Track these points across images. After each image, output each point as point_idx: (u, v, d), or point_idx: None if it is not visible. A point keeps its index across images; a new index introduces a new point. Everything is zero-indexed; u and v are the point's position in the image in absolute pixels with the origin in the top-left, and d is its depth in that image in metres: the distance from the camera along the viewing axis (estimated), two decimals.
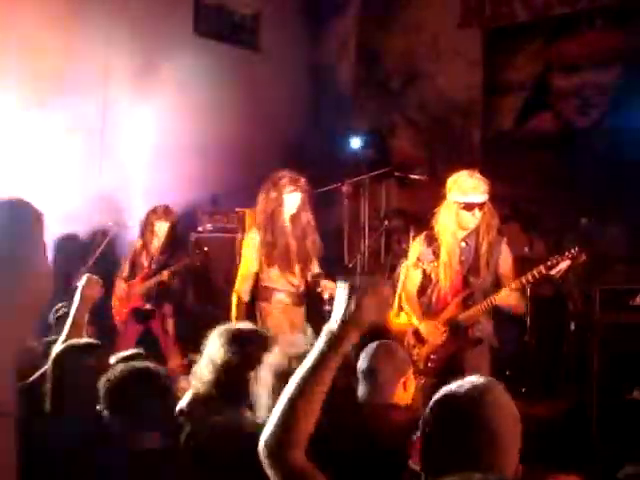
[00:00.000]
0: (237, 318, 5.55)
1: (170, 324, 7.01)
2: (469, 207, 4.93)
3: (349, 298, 1.89)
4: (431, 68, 9.03)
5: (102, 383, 2.87)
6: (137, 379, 2.86)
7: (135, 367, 2.93)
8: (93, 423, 2.94)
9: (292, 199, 5.84)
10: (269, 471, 1.91)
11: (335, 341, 1.88)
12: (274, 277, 5.81)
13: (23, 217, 1.04)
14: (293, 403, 1.88)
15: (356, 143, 8.66)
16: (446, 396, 1.86)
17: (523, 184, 7.88)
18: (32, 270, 1.03)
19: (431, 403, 1.85)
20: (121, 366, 2.94)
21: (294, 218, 5.85)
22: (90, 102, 7.67)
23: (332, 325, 1.90)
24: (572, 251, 4.68)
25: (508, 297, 4.85)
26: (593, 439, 5.73)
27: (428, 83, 9.05)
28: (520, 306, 4.93)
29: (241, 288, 5.83)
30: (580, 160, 7.73)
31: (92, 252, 7.03)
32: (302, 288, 5.89)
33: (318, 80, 9.50)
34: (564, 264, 4.68)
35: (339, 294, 1.92)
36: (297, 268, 5.84)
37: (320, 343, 1.90)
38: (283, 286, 5.82)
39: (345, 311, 1.89)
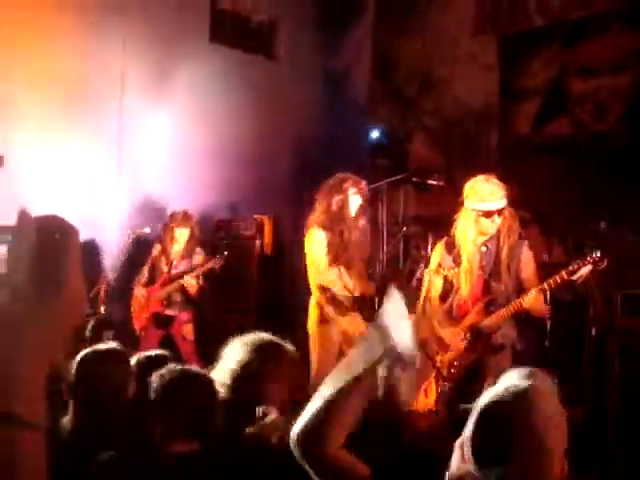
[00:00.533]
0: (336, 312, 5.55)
1: (189, 330, 7.00)
2: (488, 214, 4.88)
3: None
4: (447, 73, 9.02)
5: (155, 384, 2.85)
6: (192, 384, 2.86)
7: (192, 372, 2.95)
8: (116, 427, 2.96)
9: (355, 202, 5.84)
10: (301, 461, 1.96)
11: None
12: (332, 280, 5.78)
13: (57, 233, 1.04)
14: (333, 405, 1.92)
15: (375, 134, 8.68)
16: (493, 405, 1.83)
17: (541, 189, 7.84)
18: (67, 287, 1.04)
19: (477, 413, 1.84)
20: (174, 368, 2.94)
21: (354, 221, 5.84)
22: (107, 109, 7.71)
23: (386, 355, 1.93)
24: (594, 256, 4.63)
25: (535, 300, 4.79)
26: (612, 444, 5.70)
27: (444, 88, 9.04)
28: (544, 309, 4.86)
29: (326, 279, 5.77)
30: (598, 164, 7.69)
31: (118, 259, 7.07)
32: (356, 292, 5.84)
33: (334, 86, 9.49)
34: (585, 269, 4.63)
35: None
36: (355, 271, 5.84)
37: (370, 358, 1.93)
38: (339, 290, 5.78)
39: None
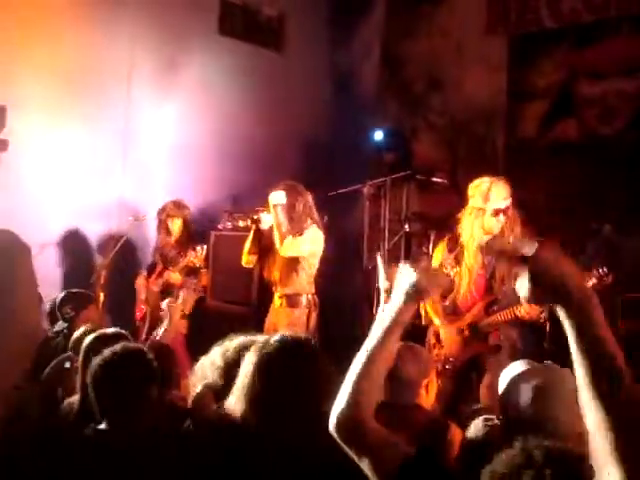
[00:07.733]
0: None
1: (182, 323, 6.81)
2: (492, 213, 4.90)
3: (411, 276, 2.05)
4: (455, 73, 8.98)
5: (94, 365, 2.93)
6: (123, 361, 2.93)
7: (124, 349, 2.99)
8: None
9: None
10: (346, 447, 2.00)
11: (399, 313, 2.04)
12: None
13: (9, 252, 0.91)
14: (359, 377, 1.99)
15: (379, 135, 8.63)
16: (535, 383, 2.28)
17: (546, 192, 7.82)
18: (20, 310, 0.89)
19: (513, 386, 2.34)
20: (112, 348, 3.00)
21: None
22: (114, 100, 7.70)
23: (396, 301, 2.05)
24: (600, 271, 4.55)
25: (530, 309, 4.74)
26: None
27: (452, 88, 9.00)
28: (537, 315, 4.82)
29: None
30: (604, 169, 7.66)
31: (112, 248, 7.03)
32: None
33: (341, 82, 9.48)
34: (589, 283, 4.56)
35: (400, 275, 2.08)
36: None
37: (384, 319, 2.04)
38: None
39: (409, 286, 2.04)
